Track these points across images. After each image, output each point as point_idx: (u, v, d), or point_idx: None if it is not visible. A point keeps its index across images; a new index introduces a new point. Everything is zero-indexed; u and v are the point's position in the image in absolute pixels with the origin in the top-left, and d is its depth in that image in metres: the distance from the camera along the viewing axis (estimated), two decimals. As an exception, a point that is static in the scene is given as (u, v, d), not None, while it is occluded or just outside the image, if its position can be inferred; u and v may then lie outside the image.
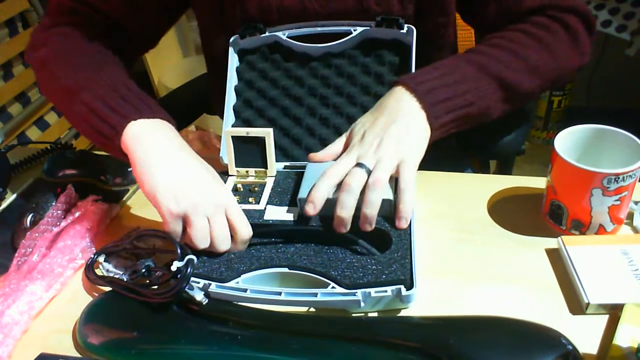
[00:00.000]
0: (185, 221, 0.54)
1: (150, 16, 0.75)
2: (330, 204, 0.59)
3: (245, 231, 0.56)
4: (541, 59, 0.63)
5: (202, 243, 0.54)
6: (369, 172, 0.54)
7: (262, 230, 0.60)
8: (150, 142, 0.57)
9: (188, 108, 1.01)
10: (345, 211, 0.53)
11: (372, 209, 0.54)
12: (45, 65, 0.68)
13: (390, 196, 0.58)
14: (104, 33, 0.72)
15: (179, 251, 0.53)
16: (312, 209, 0.55)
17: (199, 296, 0.52)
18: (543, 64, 0.63)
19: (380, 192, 0.54)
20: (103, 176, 0.75)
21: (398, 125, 0.56)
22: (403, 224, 0.54)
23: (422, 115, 0.57)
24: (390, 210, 0.58)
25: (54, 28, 0.71)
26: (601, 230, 0.57)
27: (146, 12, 0.74)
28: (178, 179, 0.54)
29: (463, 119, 0.60)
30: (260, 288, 0.52)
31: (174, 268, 0.52)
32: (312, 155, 0.61)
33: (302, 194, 0.60)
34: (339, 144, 0.61)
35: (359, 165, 0.55)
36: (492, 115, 0.62)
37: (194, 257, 0.53)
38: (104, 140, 0.59)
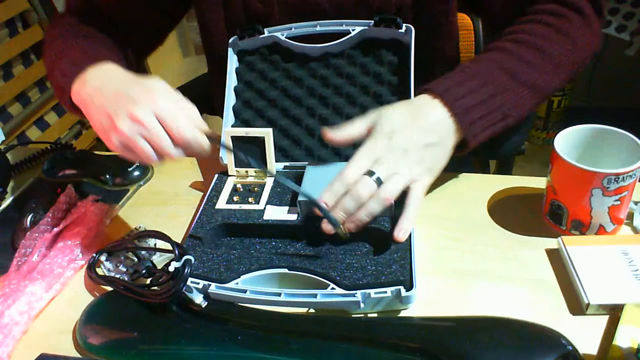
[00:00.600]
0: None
1: (139, 13, 0.76)
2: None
3: (180, 128, 0.51)
4: (565, 52, 0.62)
5: (138, 151, 0.51)
6: (380, 182, 0.53)
7: (262, 230, 0.60)
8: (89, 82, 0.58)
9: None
10: (342, 215, 0.53)
11: (367, 217, 0.53)
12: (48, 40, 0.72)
13: None
14: (104, 28, 0.74)
15: (176, 252, 0.53)
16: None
17: (198, 299, 0.53)
18: (567, 57, 0.62)
19: (384, 206, 0.53)
20: (103, 176, 0.75)
21: (431, 143, 0.55)
22: (401, 237, 0.53)
23: (459, 135, 0.56)
24: (390, 211, 0.58)
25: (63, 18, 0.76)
26: (601, 230, 0.57)
27: (135, 8, 0.76)
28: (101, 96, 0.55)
29: (499, 131, 0.59)
30: (259, 289, 0.52)
31: (171, 269, 0.52)
32: (330, 133, 0.57)
33: (302, 195, 0.60)
34: (358, 128, 0.57)
35: (371, 173, 0.53)
36: (523, 119, 0.61)
37: (192, 258, 0.53)
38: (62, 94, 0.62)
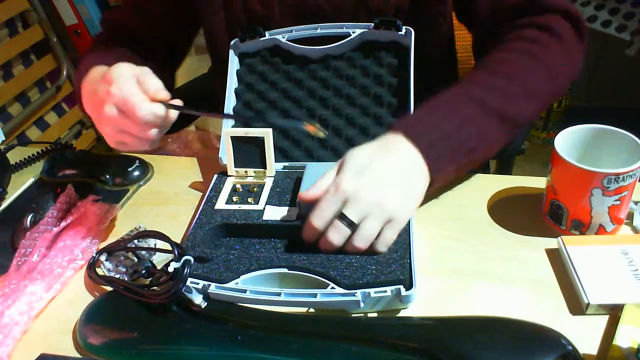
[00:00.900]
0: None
1: (160, 24, 0.78)
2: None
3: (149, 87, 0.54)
4: (539, 80, 0.60)
5: (129, 145, 0.56)
6: (353, 225, 0.52)
7: (261, 230, 0.60)
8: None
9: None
10: (323, 249, 0.54)
11: (356, 250, 0.53)
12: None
13: None
14: (130, 46, 0.77)
15: (176, 252, 0.53)
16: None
17: (198, 299, 0.53)
18: (541, 86, 0.61)
19: (368, 243, 0.53)
20: (103, 176, 0.75)
21: (401, 177, 0.53)
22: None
23: (425, 170, 0.54)
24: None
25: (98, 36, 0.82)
26: (601, 230, 0.57)
27: (155, 20, 0.78)
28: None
29: (465, 165, 0.58)
30: (259, 289, 0.52)
31: (170, 269, 0.52)
32: (303, 195, 0.56)
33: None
34: (328, 178, 0.55)
35: (342, 217, 0.51)
36: (494, 152, 0.60)
37: (191, 258, 0.53)
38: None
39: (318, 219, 0.52)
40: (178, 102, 0.55)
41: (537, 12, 0.63)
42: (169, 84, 0.73)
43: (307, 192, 0.55)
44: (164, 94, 0.55)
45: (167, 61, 0.82)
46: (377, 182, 0.52)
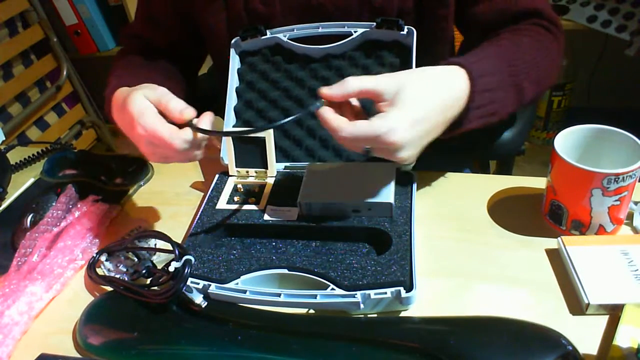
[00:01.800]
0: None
1: (173, 33, 0.79)
2: (331, 204, 0.60)
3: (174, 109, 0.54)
4: (546, 70, 0.63)
5: (150, 155, 0.56)
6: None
7: (262, 231, 0.60)
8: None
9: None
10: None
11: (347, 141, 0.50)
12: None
13: (391, 199, 0.58)
14: (149, 54, 0.79)
15: (176, 252, 0.53)
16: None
17: (198, 299, 0.53)
18: (545, 76, 0.63)
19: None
20: (103, 176, 0.75)
21: (440, 128, 0.52)
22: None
23: (459, 111, 0.54)
24: (390, 212, 0.58)
25: (119, 52, 0.82)
26: (601, 230, 0.57)
27: (168, 29, 0.78)
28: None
29: (481, 126, 0.58)
30: (259, 289, 0.52)
31: (171, 269, 0.52)
32: (326, 90, 0.51)
33: (303, 196, 0.60)
34: (361, 85, 0.50)
35: (368, 151, 0.50)
36: (494, 124, 0.60)
37: (192, 258, 0.53)
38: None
39: (347, 140, 0.49)
40: (208, 117, 0.55)
41: (537, 17, 0.66)
42: (190, 91, 0.73)
43: (333, 89, 0.51)
44: (189, 112, 0.54)
45: (185, 69, 0.83)
46: (424, 138, 0.51)
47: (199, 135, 0.54)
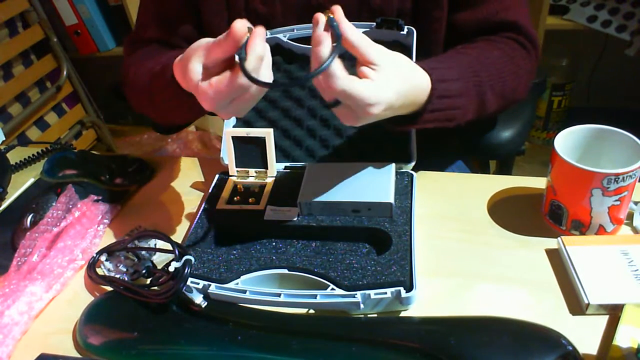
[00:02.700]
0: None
1: (185, 31, 0.78)
2: (331, 204, 0.60)
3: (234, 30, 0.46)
4: (512, 85, 0.65)
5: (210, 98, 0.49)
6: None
7: (262, 231, 0.60)
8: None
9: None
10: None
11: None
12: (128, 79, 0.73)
13: (391, 199, 0.58)
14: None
15: (176, 252, 0.53)
16: None
17: (198, 299, 0.53)
18: (510, 91, 0.65)
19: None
20: (103, 176, 0.75)
21: (400, 110, 0.53)
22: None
23: (415, 108, 0.55)
24: (390, 212, 0.58)
25: (127, 58, 0.78)
26: (601, 230, 0.57)
27: (182, 27, 0.77)
28: None
29: (435, 127, 0.59)
30: (259, 289, 0.52)
31: (171, 269, 0.52)
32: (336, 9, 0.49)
33: (303, 196, 0.60)
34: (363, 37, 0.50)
35: (336, 103, 0.49)
36: (450, 128, 0.61)
37: (192, 258, 0.53)
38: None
39: (334, 90, 0.47)
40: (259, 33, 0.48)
41: (514, 31, 0.68)
42: None
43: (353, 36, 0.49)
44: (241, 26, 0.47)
45: None
46: (392, 113, 0.51)
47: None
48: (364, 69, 0.49)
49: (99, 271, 0.59)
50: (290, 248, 0.58)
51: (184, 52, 0.52)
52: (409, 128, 0.58)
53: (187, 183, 0.75)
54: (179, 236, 0.64)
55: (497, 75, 0.63)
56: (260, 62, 0.48)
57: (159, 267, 0.57)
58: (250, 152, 0.66)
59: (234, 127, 0.71)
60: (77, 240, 0.63)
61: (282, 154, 0.69)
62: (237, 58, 0.47)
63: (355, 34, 0.49)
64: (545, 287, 0.53)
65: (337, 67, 0.47)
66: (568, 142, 0.57)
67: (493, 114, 0.66)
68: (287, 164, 0.69)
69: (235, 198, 0.65)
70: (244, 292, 0.52)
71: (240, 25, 0.46)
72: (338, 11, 0.49)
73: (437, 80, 0.55)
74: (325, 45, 0.47)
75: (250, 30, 0.47)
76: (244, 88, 0.48)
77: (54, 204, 0.69)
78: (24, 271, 0.60)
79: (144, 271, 0.56)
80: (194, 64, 0.49)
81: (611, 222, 0.56)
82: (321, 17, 0.48)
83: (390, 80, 0.50)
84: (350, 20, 0.68)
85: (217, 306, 0.53)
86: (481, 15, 0.68)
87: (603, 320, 0.49)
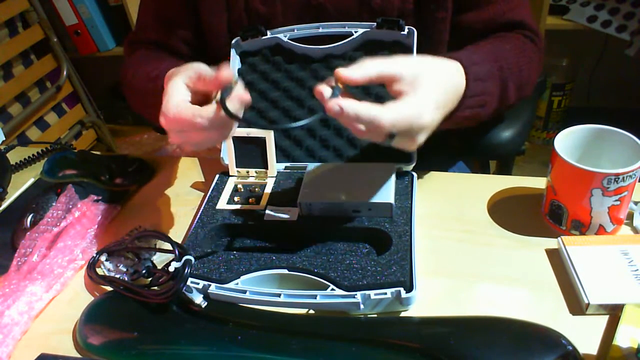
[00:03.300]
0: None
1: (186, 31, 0.78)
2: (331, 205, 0.60)
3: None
4: (527, 76, 0.66)
5: (177, 137, 0.51)
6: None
7: (262, 231, 0.60)
8: None
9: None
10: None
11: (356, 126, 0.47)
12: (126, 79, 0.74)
13: (391, 199, 0.58)
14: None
15: (176, 252, 0.53)
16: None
17: (198, 299, 0.53)
18: (525, 82, 0.66)
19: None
20: (103, 176, 0.75)
21: (442, 112, 0.52)
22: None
23: (457, 102, 0.55)
24: (390, 212, 0.58)
25: (127, 58, 0.80)
26: (601, 230, 0.57)
27: (183, 30, 0.77)
28: None
29: (470, 119, 0.59)
30: (259, 289, 0.52)
31: (171, 269, 0.52)
32: (344, 72, 0.47)
33: (303, 196, 0.60)
34: (381, 67, 0.48)
35: (392, 136, 0.48)
36: (477, 122, 0.62)
37: (192, 258, 0.53)
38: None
39: (385, 127, 0.46)
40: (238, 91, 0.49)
41: (521, 28, 0.69)
42: None
43: (352, 71, 0.47)
44: (227, 73, 0.49)
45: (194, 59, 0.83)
46: (439, 121, 0.51)
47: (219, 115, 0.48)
48: (395, 87, 0.48)
49: (99, 271, 0.59)
50: (290, 248, 0.58)
51: (179, 67, 0.53)
52: (452, 121, 0.55)
53: (187, 183, 0.75)
54: (179, 236, 0.64)
55: (515, 64, 0.63)
56: (241, 106, 0.49)
57: (159, 267, 0.57)
58: (250, 152, 0.66)
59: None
60: (77, 240, 0.63)
61: (282, 154, 0.69)
62: (218, 96, 0.48)
63: (371, 66, 0.48)
64: (545, 287, 0.53)
65: (375, 108, 0.46)
66: (568, 142, 0.57)
67: (509, 107, 0.66)
68: (287, 164, 0.69)
69: (235, 198, 0.65)
70: (244, 292, 0.52)
71: (227, 74, 0.48)
72: (339, 74, 0.47)
73: (468, 65, 0.55)
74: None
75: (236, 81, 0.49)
76: (201, 126, 0.48)
77: (54, 204, 0.69)
78: (24, 271, 0.60)
79: (144, 271, 0.56)
80: (178, 80, 0.51)
81: (611, 222, 0.56)
82: (325, 91, 0.47)
83: (426, 82, 0.48)
84: (349, 20, 0.68)
85: (217, 306, 0.53)
86: (487, 16, 0.68)
87: (603, 320, 0.49)
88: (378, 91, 0.67)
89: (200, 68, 0.51)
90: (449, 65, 0.55)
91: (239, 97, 0.49)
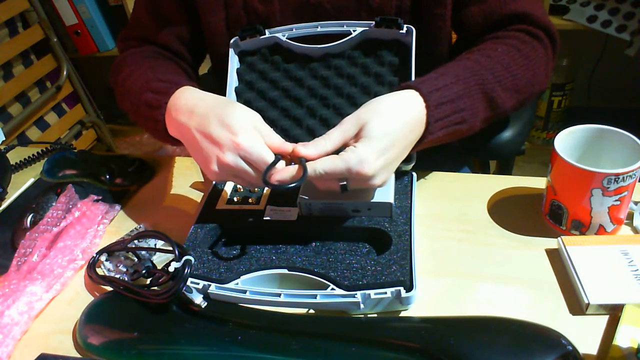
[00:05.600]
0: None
1: (182, 29, 0.78)
2: (330, 204, 0.60)
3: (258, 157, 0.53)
4: (525, 78, 0.64)
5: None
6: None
7: (262, 231, 0.60)
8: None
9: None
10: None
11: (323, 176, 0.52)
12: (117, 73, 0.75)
13: (391, 199, 0.58)
14: (161, 53, 0.78)
15: (176, 252, 0.53)
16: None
17: (198, 299, 0.53)
18: (525, 84, 0.64)
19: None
20: (103, 176, 0.75)
21: (406, 150, 0.55)
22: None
23: (422, 130, 0.56)
24: (390, 212, 0.58)
25: (120, 54, 0.79)
26: (601, 230, 0.57)
27: (179, 28, 0.77)
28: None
29: (451, 135, 0.59)
30: (259, 289, 0.52)
31: (171, 269, 0.52)
32: (302, 149, 0.53)
33: (303, 196, 0.60)
34: (331, 141, 0.54)
35: (344, 188, 0.53)
36: (467, 134, 0.61)
37: (192, 258, 0.53)
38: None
39: (323, 176, 0.52)
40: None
41: (524, 22, 0.67)
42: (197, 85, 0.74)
43: (309, 148, 0.53)
44: (281, 144, 0.55)
45: (193, 66, 0.83)
46: (393, 163, 0.54)
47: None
48: (346, 146, 0.54)
49: (99, 271, 0.59)
50: (290, 248, 0.58)
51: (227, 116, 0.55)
52: (425, 145, 0.58)
53: (187, 183, 0.75)
54: (179, 236, 0.64)
55: (503, 71, 0.62)
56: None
57: (159, 267, 0.57)
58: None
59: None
60: (77, 240, 0.63)
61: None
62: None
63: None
64: (545, 287, 0.53)
65: (321, 161, 0.52)
66: (568, 142, 0.57)
67: (514, 109, 0.65)
68: (287, 164, 0.69)
69: (235, 198, 0.65)
70: (244, 292, 0.52)
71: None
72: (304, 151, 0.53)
73: (427, 93, 0.56)
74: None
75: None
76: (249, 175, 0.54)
77: (54, 204, 0.69)
78: (24, 271, 0.60)
79: (144, 271, 0.56)
80: (256, 134, 0.54)
81: (611, 222, 0.56)
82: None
83: (368, 133, 0.52)
84: (348, 19, 0.68)
85: (217, 306, 0.53)
86: (488, 8, 0.67)
87: (603, 320, 0.49)
88: (378, 91, 0.67)
89: (270, 134, 0.56)
90: (401, 101, 0.55)
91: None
